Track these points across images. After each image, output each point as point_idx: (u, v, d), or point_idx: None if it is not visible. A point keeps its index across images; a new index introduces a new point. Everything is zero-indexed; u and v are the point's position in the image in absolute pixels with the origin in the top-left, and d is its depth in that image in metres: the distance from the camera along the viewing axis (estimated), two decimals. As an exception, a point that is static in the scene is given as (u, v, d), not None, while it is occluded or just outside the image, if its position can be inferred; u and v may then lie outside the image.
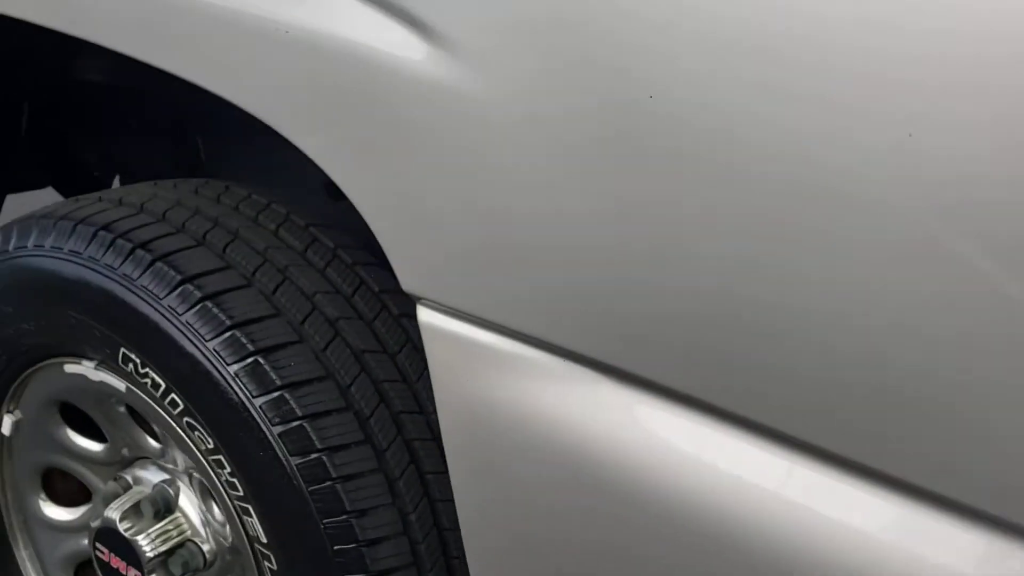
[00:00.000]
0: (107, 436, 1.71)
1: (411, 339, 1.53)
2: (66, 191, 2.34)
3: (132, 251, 1.46)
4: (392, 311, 1.55)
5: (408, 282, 1.19)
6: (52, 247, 1.54)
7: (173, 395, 1.44)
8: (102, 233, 1.49)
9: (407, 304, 1.57)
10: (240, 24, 1.21)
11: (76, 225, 1.53)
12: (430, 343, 1.18)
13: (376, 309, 1.53)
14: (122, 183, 2.42)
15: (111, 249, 1.47)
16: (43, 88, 2.03)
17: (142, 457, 1.69)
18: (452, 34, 1.02)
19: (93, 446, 1.74)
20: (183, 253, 1.46)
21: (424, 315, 1.18)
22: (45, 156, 2.17)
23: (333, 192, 2.04)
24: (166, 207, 1.55)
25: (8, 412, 1.75)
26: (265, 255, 1.50)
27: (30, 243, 1.57)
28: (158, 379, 1.45)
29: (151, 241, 1.47)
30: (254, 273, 1.47)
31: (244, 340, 1.39)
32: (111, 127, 2.20)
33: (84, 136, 2.24)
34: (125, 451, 1.70)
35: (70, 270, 1.50)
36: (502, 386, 1.09)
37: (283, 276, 1.49)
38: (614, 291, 0.98)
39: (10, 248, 1.61)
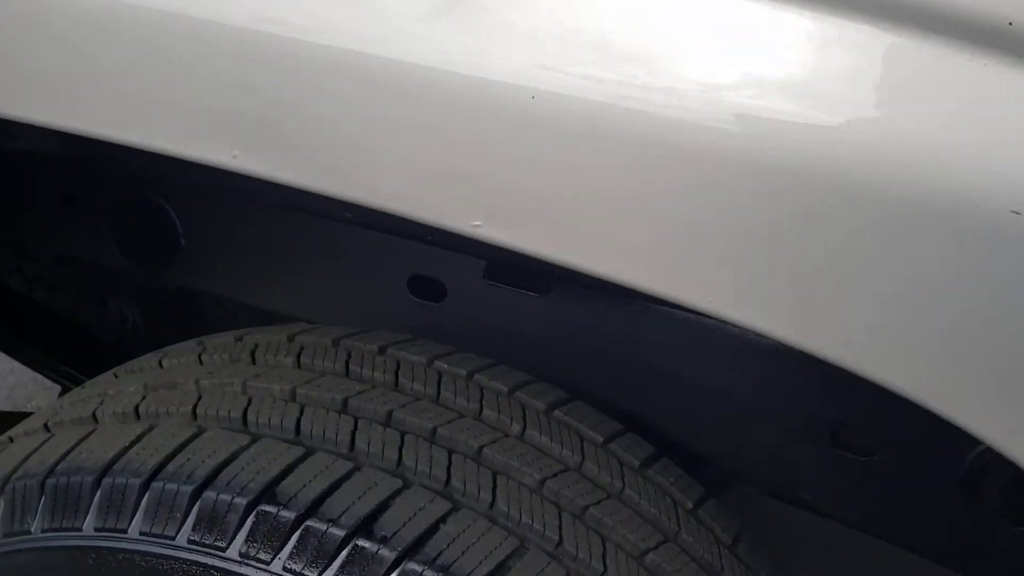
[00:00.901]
0: None
1: None
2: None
3: (347, 544, 0.78)
4: None
5: None
6: (154, 533, 0.82)
7: None
8: (269, 512, 0.80)
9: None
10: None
11: (206, 493, 0.82)
12: None
13: None
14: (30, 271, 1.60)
15: (276, 541, 0.79)
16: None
17: None
18: None
19: None
20: (459, 545, 0.80)
21: None
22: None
23: (420, 290, 1.41)
24: (344, 430, 0.88)
25: None
26: (559, 504, 0.88)
27: (63, 522, 0.85)
28: None
29: (374, 518, 0.80)
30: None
31: None
32: (28, 206, 1.40)
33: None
34: None
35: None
36: None
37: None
38: None
39: (32, 528, 0.87)
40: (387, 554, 0.78)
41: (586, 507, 0.88)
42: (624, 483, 0.93)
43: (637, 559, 0.87)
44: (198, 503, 0.82)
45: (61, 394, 1.64)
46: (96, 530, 0.85)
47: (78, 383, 1.59)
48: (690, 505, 0.98)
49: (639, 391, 1.29)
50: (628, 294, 1.22)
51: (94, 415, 0.94)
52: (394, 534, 0.79)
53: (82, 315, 1.64)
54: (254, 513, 0.81)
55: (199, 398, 0.92)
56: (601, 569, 0.83)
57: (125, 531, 0.84)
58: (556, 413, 0.99)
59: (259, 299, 1.47)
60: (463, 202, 0.64)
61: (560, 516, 0.86)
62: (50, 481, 0.87)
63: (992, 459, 1.18)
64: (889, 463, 1.15)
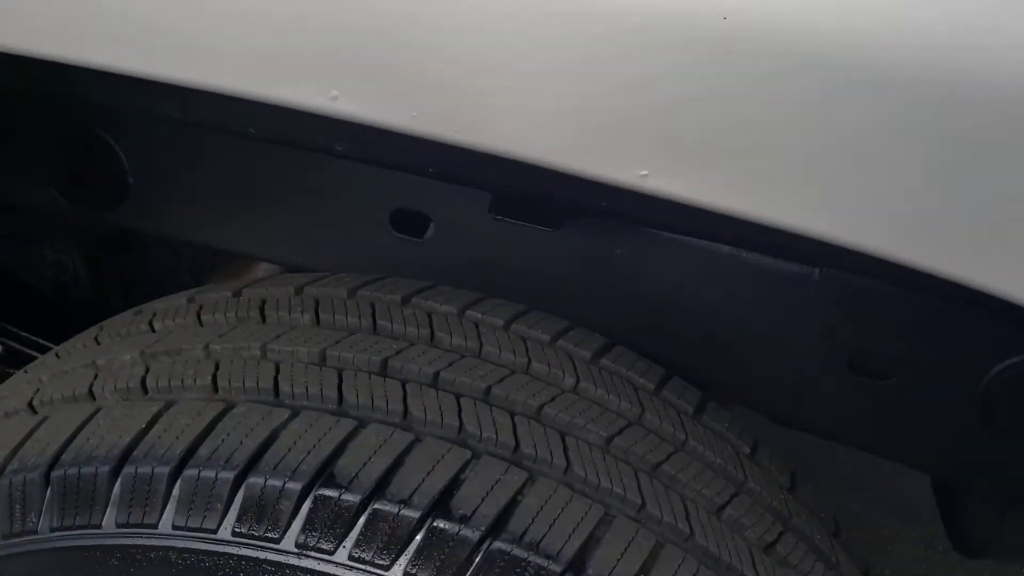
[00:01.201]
0: None
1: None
2: None
3: (422, 526, 0.70)
4: None
5: None
6: (191, 527, 0.72)
7: None
8: (328, 496, 0.71)
9: None
10: None
11: (250, 479, 0.72)
12: None
13: None
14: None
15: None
16: None
17: None
18: None
19: None
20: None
21: None
22: None
23: (403, 225, 1.30)
24: (393, 396, 0.79)
25: None
26: (630, 463, 0.81)
27: (77, 520, 0.74)
28: None
29: (449, 494, 0.72)
30: None
31: None
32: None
33: None
34: None
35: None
36: None
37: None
38: None
39: (38, 528, 0.75)
40: (470, 534, 0.70)
41: (657, 464, 0.82)
42: (687, 433, 0.87)
43: (715, 515, 0.82)
44: (242, 490, 0.72)
45: None
46: (119, 527, 0.74)
47: (17, 340, 1.43)
48: (747, 450, 0.93)
49: (651, 322, 1.23)
50: (639, 224, 1.13)
51: (91, 392, 0.82)
52: (474, 511, 0.71)
53: (13, 263, 1.47)
54: (310, 498, 0.71)
55: (217, 367, 0.81)
56: (687, 531, 0.77)
57: (155, 526, 0.73)
58: (603, 361, 0.92)
59: (219, 240, 1.34)
60: (629, 150, 0.54)
61: (637, 476, 0.79)
62: (55, 473, 0.76)
63: (1011, 377, 1.16)
64: (906, 385, 1.13)
